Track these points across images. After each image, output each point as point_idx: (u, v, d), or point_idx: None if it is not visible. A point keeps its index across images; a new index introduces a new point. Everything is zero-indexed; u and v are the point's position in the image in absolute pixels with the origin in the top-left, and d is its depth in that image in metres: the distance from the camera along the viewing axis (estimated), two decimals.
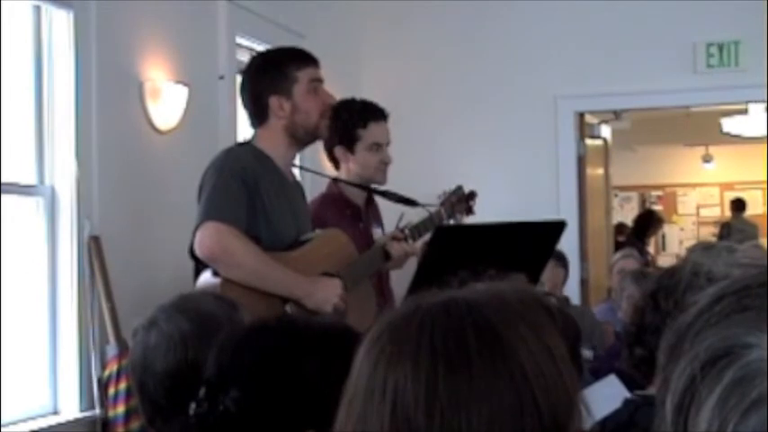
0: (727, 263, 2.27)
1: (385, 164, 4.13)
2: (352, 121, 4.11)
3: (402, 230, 3.79)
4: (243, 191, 3.27)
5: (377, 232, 4.17)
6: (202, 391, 1.57)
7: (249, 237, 3.24)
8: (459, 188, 4.10)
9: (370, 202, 4.23)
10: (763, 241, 9.03)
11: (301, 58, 3.51)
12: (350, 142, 4.10)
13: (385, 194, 4.07)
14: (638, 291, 4.22)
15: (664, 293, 2.15)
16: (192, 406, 1.57)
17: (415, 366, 1.02)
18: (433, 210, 3.94)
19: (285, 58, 3.52)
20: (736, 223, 12.48)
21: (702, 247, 5.77)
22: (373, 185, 4.16)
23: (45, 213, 3.89)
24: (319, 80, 3.51)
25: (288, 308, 3.26)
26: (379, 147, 4.12)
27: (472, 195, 4.14)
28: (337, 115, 4.04)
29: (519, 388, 1.02)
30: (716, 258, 2.28)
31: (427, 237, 3.77)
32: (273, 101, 3.44)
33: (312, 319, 2.22)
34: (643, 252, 9.73)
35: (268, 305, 3.18)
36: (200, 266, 3.29)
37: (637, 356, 2.19)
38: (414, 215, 3.92)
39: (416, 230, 3.83)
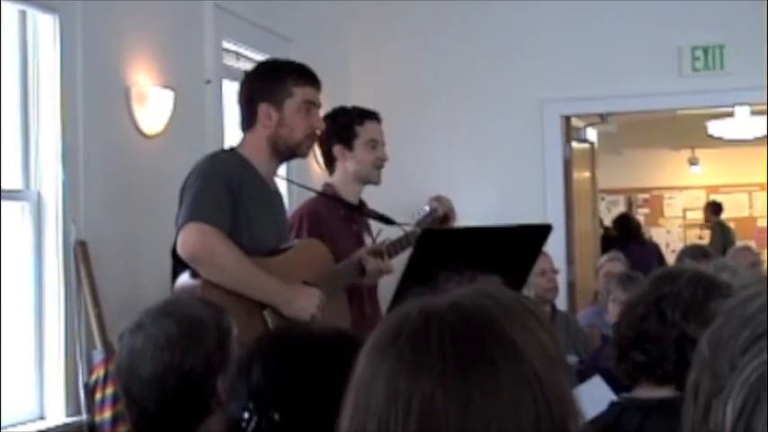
0: (718, 269, 2.28)
1: (381, 161, 4.16)
2: (350, 120, 4.16)
3: (379, 246, 3.81)
4: (226, 196, 3.28)
5: (368, 241, 4.17)
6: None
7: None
8: (434, 210, 4.13)
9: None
10: (749, 243, 9.11)
11: (303, 76, 3.50)
12: (348, 140, 4.14)
13: (362, 211, 4.08)
14: (625, 294, 4.22)
15: (670, 303, 2.14)
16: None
17: (442, 378, 1.02)
18: (408, 229, 3.96)
19: (285, 70, 3.52)
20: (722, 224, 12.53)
21: (693, 254, 5.77)
22: (365, 190, 4.19)
23: (31, 218, 3.88)
24: (314, 103, 3.51)
25: (266, 313, 3.26)
26: (375, 144, 4.16)
27: (446, 218, 4.17)
28: (334, 118, 4.06)
29: (536, 395, 1.02)
30: (715, 268, 2.28)
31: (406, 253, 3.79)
32: (262, 108, 3.44)
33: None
34: None
35: (247, 309, 3.17)
36: (177, 268, 3.29)
37: (634, 362, 2.18)
38: (392, 232, 3.96)
39: (393, 248, 3.85)
